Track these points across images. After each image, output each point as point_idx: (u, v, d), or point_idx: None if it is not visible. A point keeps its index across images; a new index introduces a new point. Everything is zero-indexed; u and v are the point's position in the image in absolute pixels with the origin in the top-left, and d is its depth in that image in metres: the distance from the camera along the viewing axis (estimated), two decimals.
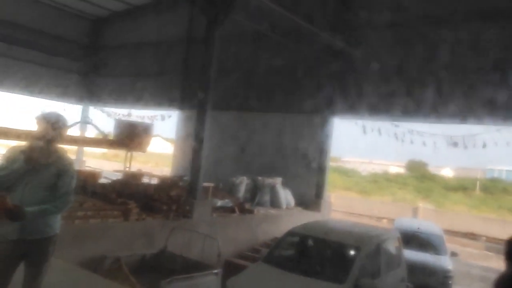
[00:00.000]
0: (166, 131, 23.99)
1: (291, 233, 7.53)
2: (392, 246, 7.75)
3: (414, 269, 8.56)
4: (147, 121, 17.11)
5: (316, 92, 13.62)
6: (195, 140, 10.08)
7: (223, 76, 13.15)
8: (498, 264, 14.36)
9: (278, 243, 7.55)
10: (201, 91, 10.25)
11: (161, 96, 17.96)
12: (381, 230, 9.17)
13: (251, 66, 15.25)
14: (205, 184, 10.55)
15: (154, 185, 11.54)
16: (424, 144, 12.64)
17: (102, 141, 15.03)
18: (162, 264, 7.95)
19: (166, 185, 10.65)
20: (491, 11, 11.21)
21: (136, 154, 16.27)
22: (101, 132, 15.79)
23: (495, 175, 37.97)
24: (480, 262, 13.94)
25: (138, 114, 19.15)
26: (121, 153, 21.97)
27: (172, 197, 9.49)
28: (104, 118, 20.60)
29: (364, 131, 12.74)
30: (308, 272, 6.47)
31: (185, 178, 11.73)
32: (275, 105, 14.58)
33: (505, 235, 12.82)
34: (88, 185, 9.56)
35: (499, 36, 11.09)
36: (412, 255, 9.04)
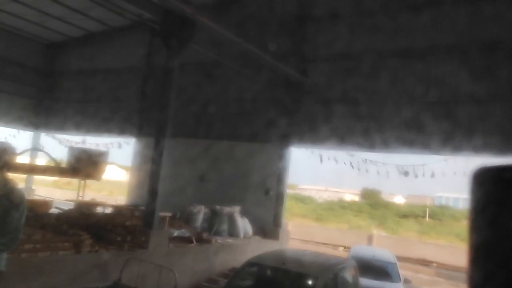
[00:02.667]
0: (122, 158, 23.55)
1: (249, 263, 7.48)
2: (349, 274, 7.86)
3: None
4: (102, 148, 16.70)
5: (274, 120, 13.86)
6: (152, 168, 9.92)
7: (183, 105, 13.16)
8: None
9: (236, 273, 7.48)
10: (159, 118, 10.19)
11: (118, 124, 17.66)
12: (338, 259, 9.28)
13: (211, 95, 15.36)
14: (162, 213, 10.34)
15: (108, 215, 11.19)
16: (377, 173, 13.09)
17: (54, 169, 14.48)
18: None
19: (121, 215, 10.35)
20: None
21: (90, 182, 15.76)
22: (53, 160, 15.23)
23: (443, 202, 39.58)
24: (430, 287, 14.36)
25: (93, 141, 18.70)
26: (73, 180, 21.22)
27: (127, 227, 9.21)
28: (56, 145, 19.95)
29: (321, 160, 13.05)
30: None
31: (141, 207, 11.46)
32: (233, 133, 14.69)
33: (454, 261, 13.43)
34: (38, 216, 9.14)
35: (438, 69, 11.83)
36: (367, 283, 9.20)
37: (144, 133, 16.53)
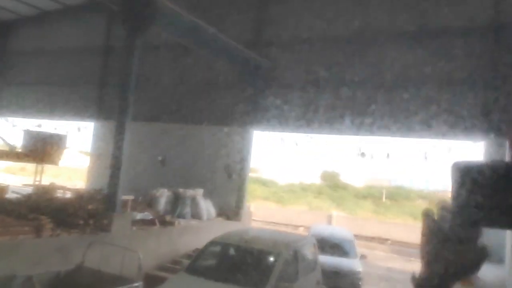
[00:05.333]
0: (80, 143, 22.98)
1: (212, 243, 7.69)
2: (308, 251, 8.22)
3: (328, 272, 9.15)
4: (60, 132, 16.27)
5: (236, 104, 13.99)
6: (113, 152, 9.86)
7: (144, 87, 13.03)
8: (401, 265, 15.69)
9: (199, 253, 7.67)
10: (120, 101, 10.09)
11: (76, 107, 17.23)
12: (298, 236, 9.66)
13: (172, 78, 15.26)
14: (124, 197, 10.33)
15: (69, 199, 11.03)
16: (336, 154, 13.56)
17: (9, 154, 14.02)
18: (79, 281, 7.63)
19: (82, 198, 10.24)
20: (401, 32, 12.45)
21: (47, 167, 15.38)
22: (8, 144, 14.73)
23: (399, 183, 41.10)
24: (386, 263, 15.10)
25: (50, 125, 18.14)
26: (28, 166, 20.59)
27: (89, 211, 9.15)
28: (10, 129, 19.22)
29: (282, 142, 13.34)
30: (229, 279, 6.67)
31: (102, 191, 11.37)
32: (196, 117, 14.71)
33: (407, 238, 14.16)
34: None
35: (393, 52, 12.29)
36: (326, 259, 9.63)
37: (104, 116, 16.25)
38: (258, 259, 7.25)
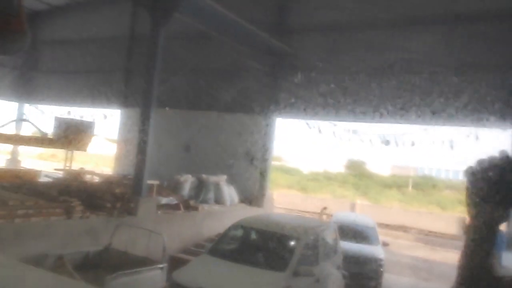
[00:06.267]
0: (107, 130, 23.51)
1: (235, 226, 7.85)
2: (329, 236, 8.30)
3: (350, 258, 9.21)
4: (88, 119, 16.73)
5: (259, 91, 14.06)
6: (139, 138, 10.12)
7: (168, 75, 13.24)
8: (426, 254, 15.56)
9: (222, 236, 7.85)
10: (145, 89, 10.32)
11: (103, 94, 17.63)
12: (319, 221, 9.74)
13: (196, 65, 15.40)
14: (150, 182, 10.61)
15: (98, 183, 11.41)
16: (361, 141, 13.46)
17: (41, 140, 14.53)
18: (107, 261, 7.95)
19: (110, 183, 10.58)
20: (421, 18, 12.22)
21: (76, 154, 15.87)
22: (40, 131, 15.26)
23: (426, 172, 40.47)
24: (410, 252, 15.02)
25: (78, 112, 18.64)
26: (59, 153, 21.22)
27: (116, 194, 9.47)
28: (40, 116, 19.84)
29: (307, 129, 13.37)
30: (251, 262, 6.83)
31: (129, 176, 11.70)
32: (220, 104, 14.84)
33: (433, 227, 14.10)
34: (29, 184, 9.33)
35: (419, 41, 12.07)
36: (347, 245, 9.69)
37: (130, 104, 16.58)
38: (279, 242, 7.38)
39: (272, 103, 14.02)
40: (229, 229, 7.85)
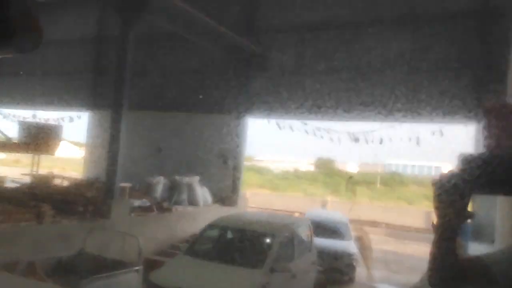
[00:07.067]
0: (73, 133, 22.97)
1: (210, 226, 7.89)
2: (303, 233, 8.45)
3: (324, 254, 9.40)
4: (53, 122, 16.31)
5: (230, 91, 14.11)
6: (110, 141, 10.00)
7: (139, 76, 13.11)
8: (396, 247, 15.97)
9: (198, 236, 7.88)
10: (115, 91, 10.20)
11: (70, 97, 17.23)
12: (294, 218, 9.89)
13: (166, 67, 15.30)
14: (122, 184, 10.50)
15: (69, 187, 11.18)
16: (331, 140, 13.72)
17: (5, 145, 14.08)
18: (80, 266, 7.81)
19: (81, 186, 10.39)
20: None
21: (41, 158, 15.44)
22: (4, 135, 14.78)
23: (393, 169, 41.50)
24: (381, 246, 15.40)
25: (43, 115, 18.15)
26: (23, 158, 20.59)
27: (88, 198, 9.33)
28: (3, 120, 19.17)
29: (279, 127, 13.50)
30: (228, 260, 6.88)
31: (100, 179, 11.52)
32: (190, 105, 14.79)
33: (401, 222, 14.50)
34: None
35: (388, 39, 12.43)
36: (321, 241, 9.87)
37: (98, 106, 16.30)
38: (255, 240, 7.46)
39: (243, 102, 14.10)
40: (205, 229, 7.88)
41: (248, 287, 6.40)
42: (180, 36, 13.25)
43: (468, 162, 1.29)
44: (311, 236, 8.73)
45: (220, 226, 7.88)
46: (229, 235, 7.89)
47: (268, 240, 7.29)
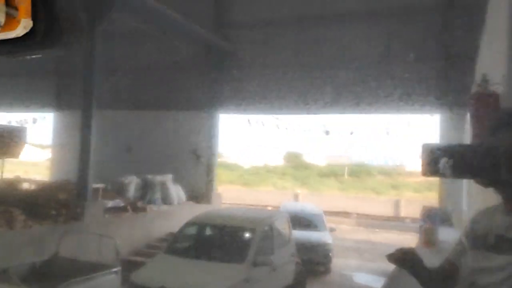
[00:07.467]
0: (36, 135, 22.24)
1: (189, 223, 7.87)
2: (282, 225, 8.56)
3: (300, 245, 9.54)
4: (18, 125, 15.72)
5: (201, 88, 14.04)
6: (81, 141, 9.77)
7: (107, 74, 12.82)
8: (367, 236, 16.39)
9: (177, 234, 7.84)
10: (84, 90, 9.97)
11: (33, 98, 16.66)
12: (271, 212, 9.99)
13: (135, 64, 15.01)
14: (94, 185, 10.29)
15: (39, 190, 10.85)
16: (303, 132, 13.93)
17: None
18: (55, 270, 7.64)
19: (52, 189, 10.10)
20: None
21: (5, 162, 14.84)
22: None
23: (360, 160, 42.30)
24: (353, 236, 15.79)
25: (4, 118, 17.46)
26: None
27: (61, 201, 9.09)
28: None
29: (250, 123, 13.56)
30: (209, 257, 6.90)
31: (71, 181, 11.24)
32: (161, 102, 14.61)
33: (371, 211, 14.91)
34: None
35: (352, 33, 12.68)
36: (297, 233, 10.01)
37: (64, 107, 15.85)
38: (236, 235, 7.51)
39: (213, 99, 14.06)
40: (184, 226, 7.86)
41: (231, 282, 6.44)
42: (148, 33, 13.07)
43: (429, 152, 1.38)
44: (289, 229, 8.85)
45: (199, 223, 7.87)
46: (208, 231, 7.90)
47: (248, 235, 7.34)
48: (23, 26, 0.69)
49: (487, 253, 1.57)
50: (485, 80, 2.79)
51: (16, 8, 0.68)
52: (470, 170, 1.35)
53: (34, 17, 0.70)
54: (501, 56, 2.74)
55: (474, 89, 2.91)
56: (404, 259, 1.69)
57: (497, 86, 2.61)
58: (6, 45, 0.73)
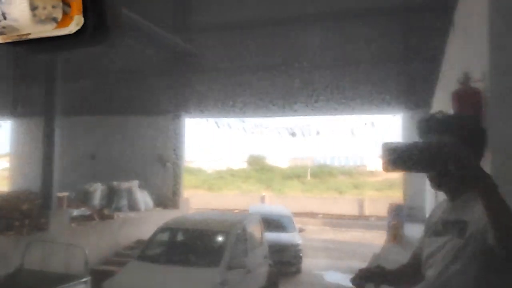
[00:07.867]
0: None
1: (161, 229, 7.77)
2: (254, 228, 8.60)
3: (271, 247, 9.61)
4: None
5: (165, 92, 13.89)
6: (44, 149, 9.46)
7: (68, 80, 12.46)
8: (334, 235, 16.70)
9: (149, 240, 7.72)
10: (46, 97, 9.66)
11: None
12: (243, 215, 10.01)
13: (97, 68, 14.63)
14: (59, 194, 9.97)
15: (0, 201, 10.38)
16: (268, 135, 14.06)
17: None
18: (21, 284, 7.35)
19: (13, 199, 9.68)
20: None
21: None
22: None
23: (322, 161, 43.09)
24: (320, 235, 16.05)
25: None
26: None
27: (24, 211, 8.74)
28: None
29: (218, 126, 13.53)
30: (183, 262, 6.84)
31: (32, 191, 10.83)
32: (124, 107, 14.31)
33: (336, 211, 15.26)
34: None
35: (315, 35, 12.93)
36: (267, 235, 10.08)
37: (21, 114, 15.24)
38: (209, 239, 7.48)
39: (179, 102, 13.94)
40: (156, 232, 7.75)
41: (206, 286, 6.41)
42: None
43: (389, 150, 1.50)
44: (261, 231, 8.91)
45: (171, 229, 7.79)
46: (181, 236, 7.82)
47: (221, 238, 7.33)
48: (75, 23, 0.70)
49: (434, 238, 1.69)
50: (466, 78, 2.96)
51: (69, 5, 0.69)
52: (423, 164, 1.48)
53: (85, 14, 0.71)
54: (478, 53, 2.91)
55: (456, 86, 3.07)
56: (367, 276, 1.76)
57: (479, 83, 2.79)
58: (58, 41, 0.73)
